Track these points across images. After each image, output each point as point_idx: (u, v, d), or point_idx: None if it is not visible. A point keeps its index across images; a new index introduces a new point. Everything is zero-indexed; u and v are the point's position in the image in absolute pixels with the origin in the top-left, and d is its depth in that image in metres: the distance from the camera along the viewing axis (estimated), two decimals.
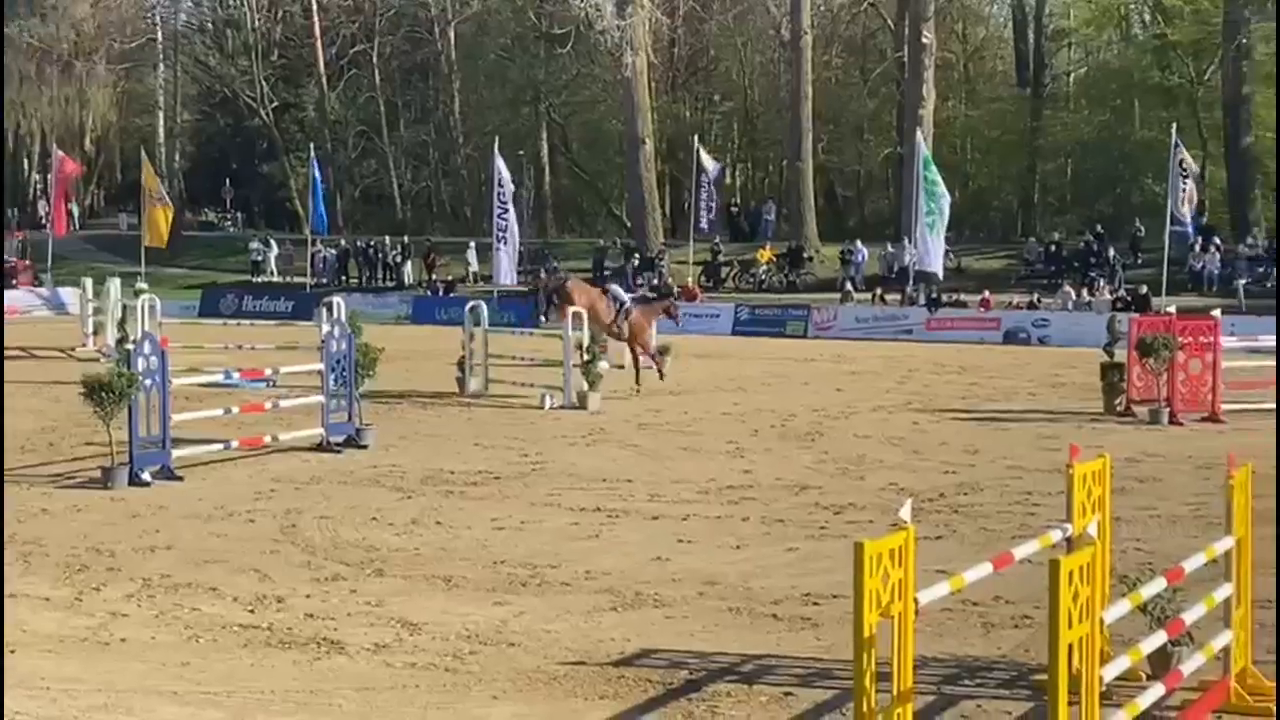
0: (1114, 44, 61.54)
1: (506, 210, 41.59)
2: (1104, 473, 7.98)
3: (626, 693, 8.25)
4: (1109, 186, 57.50)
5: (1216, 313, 22.94)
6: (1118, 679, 7.00)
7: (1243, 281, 41.40)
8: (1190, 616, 7.55)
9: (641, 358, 25.17)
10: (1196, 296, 39.32)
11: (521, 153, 60.31)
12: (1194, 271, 42.10)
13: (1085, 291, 41.94)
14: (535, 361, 25.29)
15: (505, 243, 41.62)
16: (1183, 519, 13.30)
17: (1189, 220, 38.05)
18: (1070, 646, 6.01)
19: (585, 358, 22.77)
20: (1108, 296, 40.67)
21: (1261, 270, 42.40)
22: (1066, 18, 62.14)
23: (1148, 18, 58.93)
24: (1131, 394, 21.76)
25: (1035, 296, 41.99)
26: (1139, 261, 44.00)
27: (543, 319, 24.49)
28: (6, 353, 26.62)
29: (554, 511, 13.80)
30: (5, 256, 51.43)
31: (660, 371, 24.99)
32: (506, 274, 42.31)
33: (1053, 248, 46.64)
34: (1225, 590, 7.76)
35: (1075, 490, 7.67)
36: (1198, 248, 41.64)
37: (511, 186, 42.88)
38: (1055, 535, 7.53)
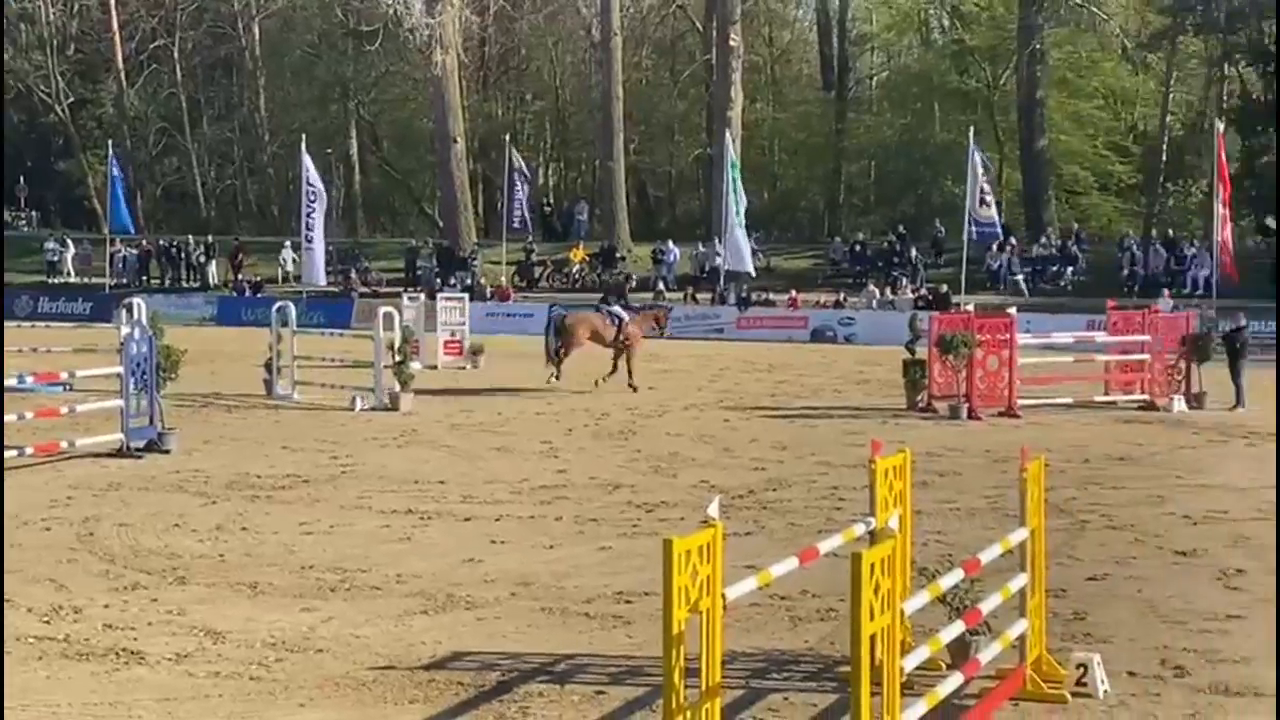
0: (914, 49, 62.97)
1: (315, 209, 40.97)
2: (905, 467, 8.17)
3: (437, 696, 8.19)
4: (911, 187, 58.82)
5: (1012, 310, 23.67)
6: (918, 668, 7.17)
7: (1019, 277, 42.67)
8: (987, 606, 7.77)
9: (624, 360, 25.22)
10: (994, 295, 40.45)
11: (330, 151, 59.52)
12: (991, 270, 43.32)
13: (889, 290, 42.88)
14: (345, 363, 24.97)
15: (314, 242, 41.00)
16: (980, 511, 13.67)
17: (995, 221, 39.17)
18: (873, 638, 6.13)
19: (396, 359, 22.55)
20: (910, 295, 41.63)
21: (1055, 269, 43.80)
22: (869, 22, 63.41)
23: (946, 23, 60.43)
24: (933, 390, 22.32)
25: (841, 295, 42.80)
26: (940, 261, 45.10)
27: (555, 364, 24.87)
28: None
29: (364, 514, 13.64)
30: None
31: (631, 377, 24.99)
32: (316, 274, 41.69)
33: (858, 248, 47.56)
34: (1020, 580, 7.99)
35: (878, 485, 7.83)
36: (995, 247, 42.83)
37: (321, 185, 42.28)
38: (859, 529, 7.68)
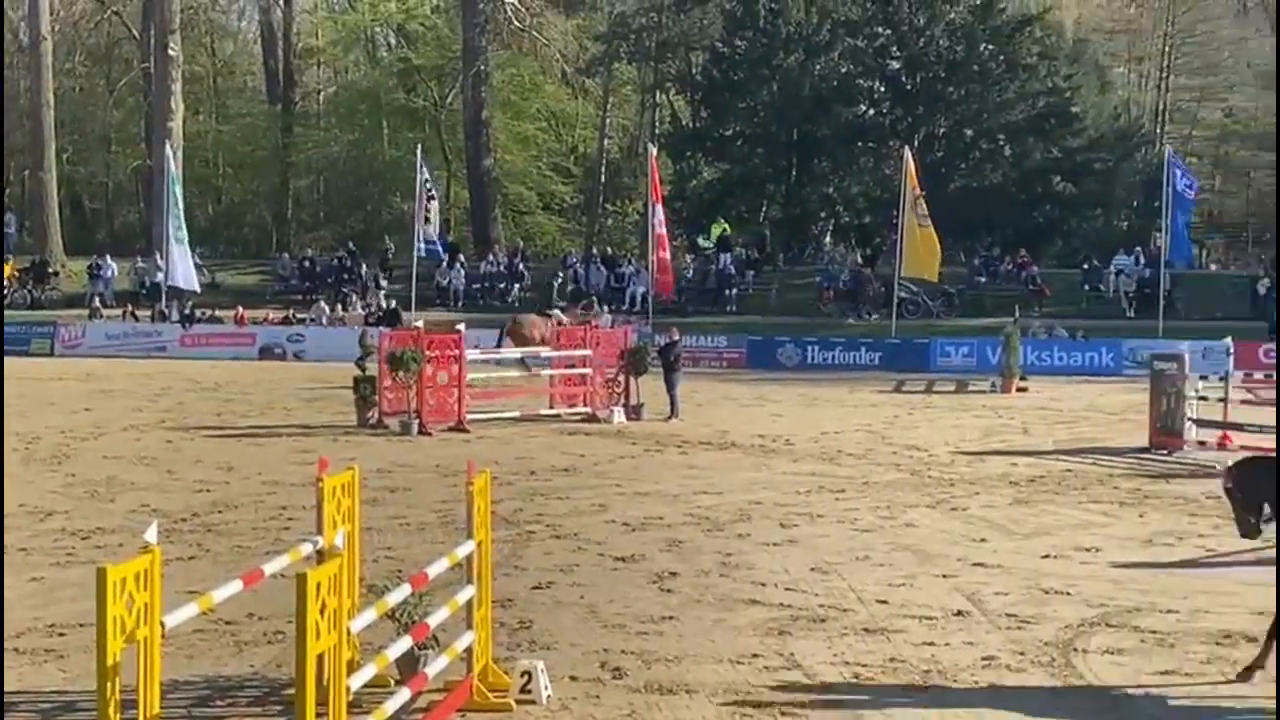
0: (362, 65, 63.04)
1: None
2: (353, 484, 8.14)
3: None
4: (360, 204, 58.87)
5: (461, 327, 24.09)
6: (367, 686, 7.14)
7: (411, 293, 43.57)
8: (435, 620, 7.83)
9: None
10: (444, 311, 41.06)
11: None
12: (441, 287, 43.95)
13: (339, 307, 42.70)
14: None
15: None
16: (431, 525, 13.80)
17: (437, 239, 39.82)
18: (320, 658, 6.06)
19: None
20: (360, 311, 41.63)
21: (502, 286, 44.91)
22: (315, 36, 62.96)
23: (393, 41, 60.87)
24: (384, 406, 22.38)
25: (291, 312, 42.26)
26: (391, 277, 45.34)
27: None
28: None
29: None
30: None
31: None
32: None
33: (307, 264, 47.10)
34: (468, 592, 8.11)
35: (325, 503, 7.77)
36: (444, 264, 43.49)
37: None
38: (306, 548, 7.58)
